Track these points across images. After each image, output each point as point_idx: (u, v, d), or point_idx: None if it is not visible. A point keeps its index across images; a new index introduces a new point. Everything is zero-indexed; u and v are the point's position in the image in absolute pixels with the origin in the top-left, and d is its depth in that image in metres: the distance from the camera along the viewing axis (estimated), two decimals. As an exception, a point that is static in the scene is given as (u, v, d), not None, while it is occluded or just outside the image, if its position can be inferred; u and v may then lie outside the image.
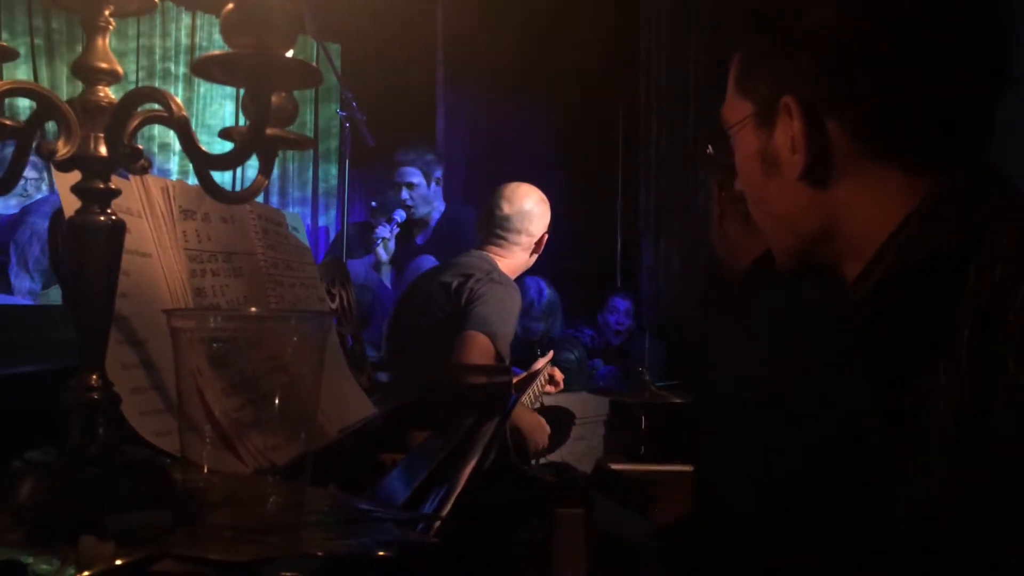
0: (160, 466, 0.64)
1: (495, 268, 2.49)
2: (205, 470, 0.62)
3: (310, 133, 5.26)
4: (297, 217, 1.37)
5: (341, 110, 3.19)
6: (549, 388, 2.61)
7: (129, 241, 0.91)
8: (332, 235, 4.89)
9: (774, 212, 0.83)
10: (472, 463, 1.20)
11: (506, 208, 2.54)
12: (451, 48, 4.88)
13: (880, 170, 0.74)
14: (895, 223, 0.73)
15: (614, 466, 2.68)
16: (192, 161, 0.59)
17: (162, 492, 0.62)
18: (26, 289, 3.33)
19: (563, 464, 2.94)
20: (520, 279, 3.40)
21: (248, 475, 0.75)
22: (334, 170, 5.15)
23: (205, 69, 0.57)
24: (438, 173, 3.52)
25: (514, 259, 2.56)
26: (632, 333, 3.92)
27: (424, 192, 3.48)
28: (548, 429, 2.38)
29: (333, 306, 1.51)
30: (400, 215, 3.45)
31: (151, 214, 0.93)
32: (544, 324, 3.78)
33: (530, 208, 2.54)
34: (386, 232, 3.40)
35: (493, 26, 4.29)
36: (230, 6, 0.56)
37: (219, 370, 0.72)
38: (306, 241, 1.38)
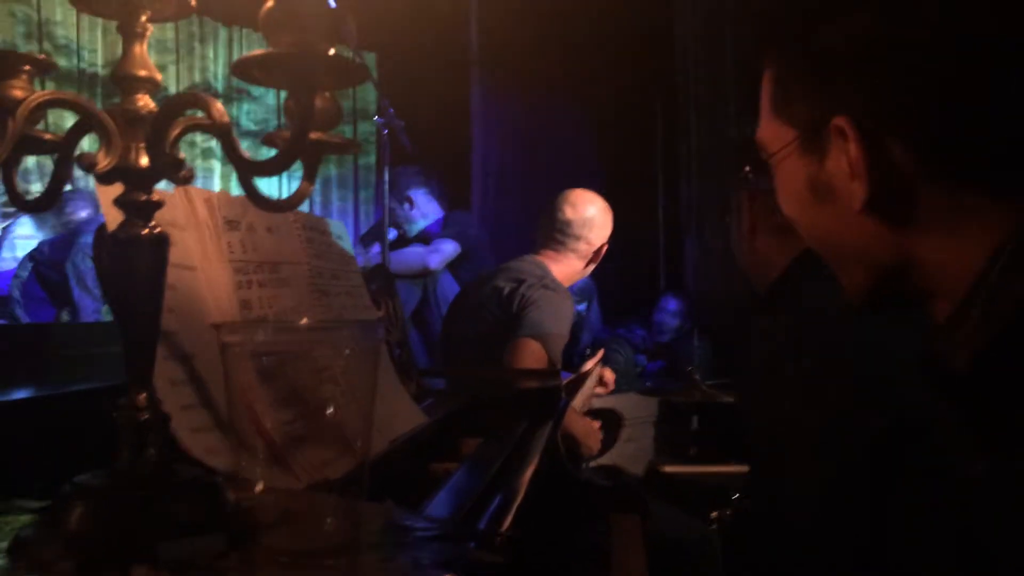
0: (213, 486, 0.61)
1: (548, 274, 2.45)
2: (258, 488, 0.60)
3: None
4: (341, 225, 1.35)
5: (379, 117, 3.18)
6: (599, 389, 2.57)
7: (174, 254, 0.89)
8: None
9: (836, 244, 0.74)
10: (530, 471, 1.16)
11: (568, 213, 2.50)
12: (486, 54, 4.86)
13: (957, 196, 0.65)
14: (983, 257, 0.64)
15: (666, 468, 2.63)
16: (236, 168, 0.57)
17: (216, 514, 0.59)
18: (91, 309, 3.37)
19: (614, 467, 2.90)
20: None
21: (302, 492, 0.73)
22: (373, 178, 5.17)
23: (246, 70, 0.55)
24: (409, 192, 3.56)
25: (569, 266, 2.52)
26: (685, 333, 3.87)
27: (400, 214, 3.58)
28: (600, 433, 2.34)
29: (380, 314, 1.49)
30: (392, 233, 3.57)
31: (195, 226, 0.91)
32: (579, 305, 3.75)
33: (592, 215, 2.51)
34: (375, 250, 3.59)
35: (527, 31, 4.27)
36: (269, 3, 0.54)
37: (269, 384, 0.70)
38: (351, 249, 1.36)
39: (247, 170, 0.56)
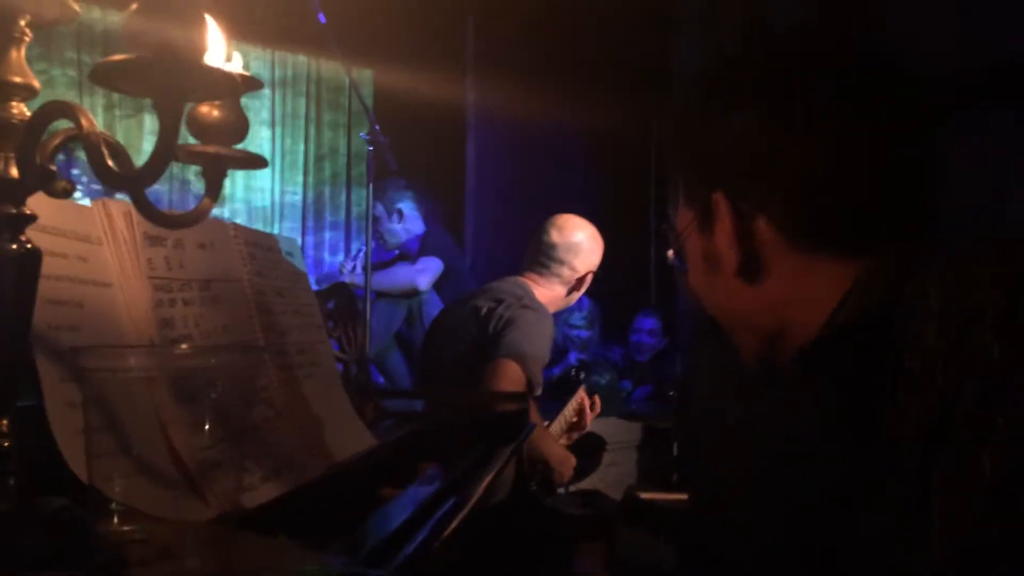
0: (79, 519, 0.57)
1: (528, 294, 2.41)
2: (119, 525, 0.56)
3: (343, 158, 5.27)
4: (293, 242, 1.32)
5: (365, 134, 3.17)
6: (589, 415, 2.53)
7: (86, 270, 0.86)
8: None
9: (726, 311, 0.84)
10: (473, 500, 1.12)
11: (555, 236, 2.47)
12: (481, 71, 4.85)
13: (811, 261, 0.75)
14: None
15: (644, 495, 2.59)
16: (101, 181, 0.53)
17: (77, 550, 0.55)
18: None
19: (593, 492, 2.85)
20: None
21: (203, 523, 0.69)
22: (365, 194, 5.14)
23: (107, 77, 0.52)
24: (399, 204, 3.58)
25: (551, 291, 2.47)
26: (661, 351, 3.82)
27: (386, 224, 3.59)
28: (574, 461, 2.30)
29: (334, 333, 1.45)
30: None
31: (112, 241, 0.88)
32: (586, 331, 3.71)
33: (578, 241, 2.47)
34: (348, 264, 3.76)
35: (523, 53, 4.25)
36: (133, 5, 0.50)
37: (184, 406, 0.67)
38: (303, 266, 1.33)
39: (113, 183, 0.53)
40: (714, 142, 0.79)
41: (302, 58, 5.04)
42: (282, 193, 5.04)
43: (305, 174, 5.05)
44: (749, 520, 1.20)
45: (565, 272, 2.48)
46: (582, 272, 2.48)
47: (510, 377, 2.21)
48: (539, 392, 2.39)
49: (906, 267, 0.69)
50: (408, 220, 3.59)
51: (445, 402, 1.94)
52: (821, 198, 0.75)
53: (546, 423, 2.45)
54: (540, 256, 2.49)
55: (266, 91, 4.90)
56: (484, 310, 2.35)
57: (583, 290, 2.56)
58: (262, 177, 4.92)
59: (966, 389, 0.58)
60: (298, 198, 5.04)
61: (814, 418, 0.77)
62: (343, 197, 5.34)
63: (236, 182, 4.83)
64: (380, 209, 3.55)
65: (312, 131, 5.07)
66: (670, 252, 0.91)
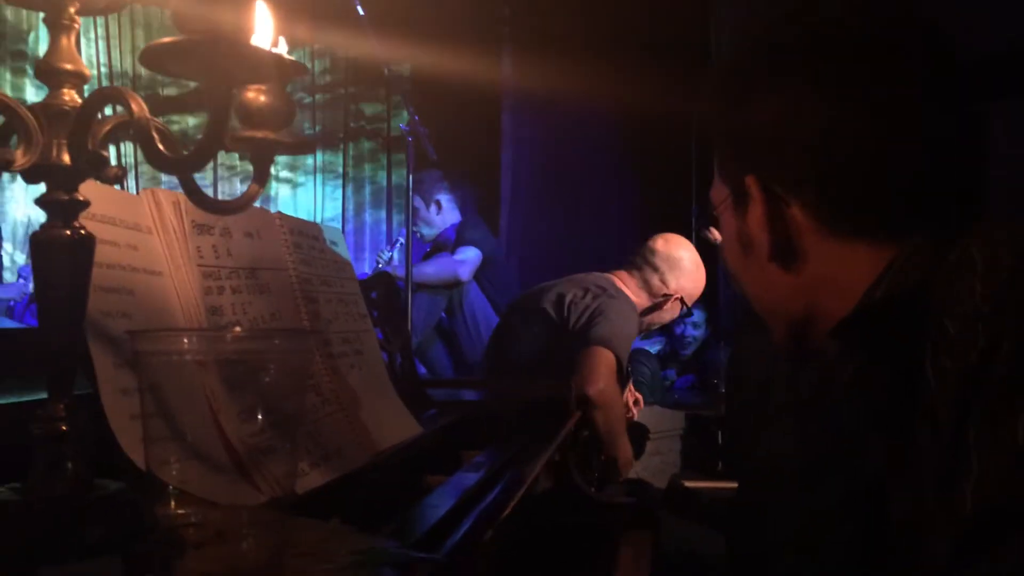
0: (135, 503, 0.58)
1: (613, 287, 2.39)
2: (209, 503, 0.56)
3: (383, 148, 5.28)
4: (337, 231, 1.32)
5: (405, 125, 3.17)
6: (635, 410, 2.53)
7: (137, 258, 0.87)
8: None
9: (758, 295, 0.83)
10: (523, 487, 1.12)
11: (659, 244, 2.46)
12: (517, 58, 4.83)
13: (846, 247, 0.73)
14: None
15: (688, 483, 2.57)
16: (152, 165, 0.53)
17: (133, 534, 0.56)
18: None
19: (638, 480, 2.83)
20: None
21: (249, 508, 0.70)
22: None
23: (157, 60, 0.52)
24: (438, 195, 3.60)
25: (634, 295, 2.44)
26: (705, 343, 3.77)
27: (424, 215, 3.62)
28: (633, 463, 2.32)
29: (378, 323, 1.45)
30: (403, 233, 3.64)
31: (163, 229, 0.89)
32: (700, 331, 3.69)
33: (680, 257, 2.45)
34: (387, 252, 3.84)
35: (560, 32, 4.23)
36: (181, -11, 0.50)
37: (234, 392, 0.67)
38: (347, 255, 1.33)
39: (164, 167, 0.53)
40: (749, 122, 0.77)
41: (340, 52, 5.07)
42: (324, 183, 5.08)
43: (344, 164, 5.08)
44: (795, 505, 1.19)
45: (655, 281, 2.45)
46: (671, 290, 2.45)
47: (604, 363, 2.20)
48: (630, 379, 2.39)
49: (948, 243, 0.67)
50: (446, 211, 3.59)
51: (496, 391, 1.94)
52: (859, 184, 0.72)
53: None
54: (637, 257, 2.47)
55: (306, 80, 4.93)
56: (569, 297, 2.34)
57: (664, 316, 2.52)
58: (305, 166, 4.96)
59: (1004, 348, 0.56)
60: (338, 187, 5.07)
61: (854, 397, 0.76)
62: (384, 193, 5.37)
63: (278, 171, 4.87)
64: (418, 201, 3.56)
65: (352, 122, 5.10)
66: (712, 231, 0.90)
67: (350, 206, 5.19)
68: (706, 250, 2.57)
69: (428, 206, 3.59)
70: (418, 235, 3.61)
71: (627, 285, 2.45)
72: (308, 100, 4.97)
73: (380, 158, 5.26)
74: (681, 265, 2.45)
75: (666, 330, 3.96)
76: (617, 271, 2.48)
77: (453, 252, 3.42)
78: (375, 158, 5.25)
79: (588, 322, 2.26)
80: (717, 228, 0.85)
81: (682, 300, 2.47)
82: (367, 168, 5.27)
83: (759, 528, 1.39)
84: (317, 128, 5.06)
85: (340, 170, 5.16)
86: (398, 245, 3.75)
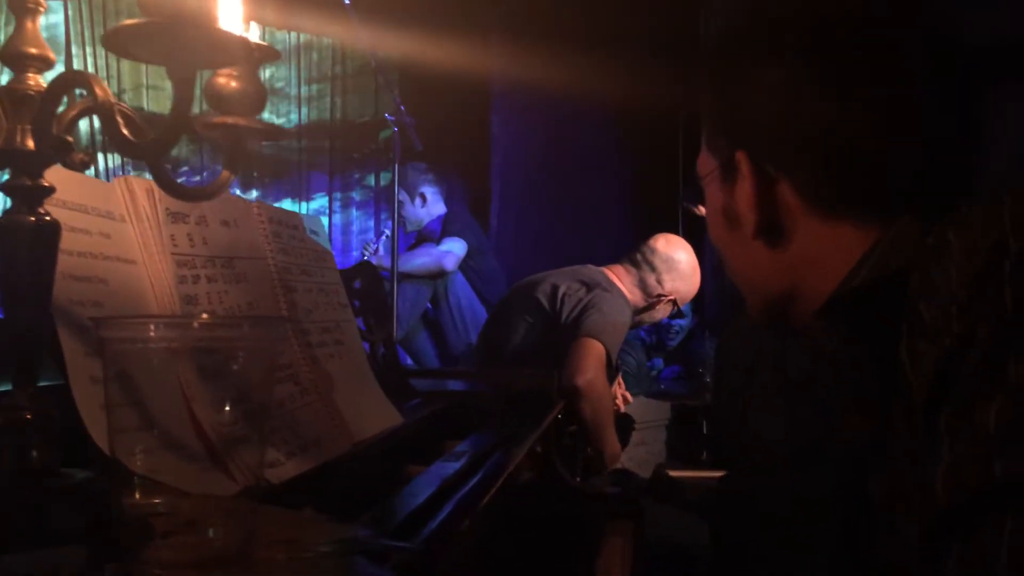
0: (99, 491, 0.57)
1: (608, 281, 2.39)
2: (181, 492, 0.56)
3: (371, 141, 5.25)
4: (318, 221, 1.31)
5: (390, 115, 3.16)
6: (621, 402, 2.53)
7: (110, 247, 0.86)
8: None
9: (740, 270, 0.83)
10: (501, 477, 1.11)
11: (659, 244, 2.47)
12: (505, 50, 4.81)
13: (833, 227, 0.73)
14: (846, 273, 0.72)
15: (673, 472, 2.57)
16: (117, 150, 0.52)
17: (100, 523, 0.55)
18: None
19: (623, 470, 2.84)
20: None
21: (225, 497, 0.69)
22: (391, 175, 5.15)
23: (119, 43, 0.51)
24: (422, 188, 3.59)
25: (629, 292, 2.44)
26: (691, 333, 3.77)
27: (409, 209, 3.60)
28: (621, 458, 2.33)
29: (360, 312, 1.45)
30: (389, 226, 3.63)
31: (136, 218, 0.88)
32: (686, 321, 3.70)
33: (679, 259, 2.46)
34: (372, 247, 3.81)
35: (548, 36, 4.21)
36: (145, -29, 0.50)
37: (207, 382, 0.66)
38: (328, 245, 1.32)
39: (127, 153, 0.52)
40: (745, 97, 0.76)
41: (327, 40, 5.03)
42: (309, 173, 5.05)
43: (332, 153, 5.05)
44: (785, 489, 1.19)
45: (651, 280, 2.45)
46: (666, 291, 2.45)
47: (594, 354, 2.21)
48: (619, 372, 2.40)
49: (933, 226, 0.66)
50: (431, 203, 3.58)
51: (480, 381, 1.94)
52: (852, 167, 0.71)
53: None
54: (636, 254, 2.47)
55: (292, 73, 4.90)
56: (563, 289, 2.34)
57: (655, 316, 2.52)
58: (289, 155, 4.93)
59: (979, 335, 0.56)
60: (324, 179, 5.04)
61: (837, 376, 0.76)
62: (371, 178, 5.34)
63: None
64: (403, 194, 3.55)
65: (338, 113, 5.07)
66: (698, 207, 0.89)
67: (336, 200, 5.16)
68: (697, 244, 2.58)
69: (413, 199, 3.58)
70: (403, 229, 3.61)
71: (622, 281, 2.45)
72: (295, 92, 4.94)
73: (369, 152, 5.23)
74: (679, 268, 2.45)
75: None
76: (613, 266, 2.48)
77: (439, 243, 3.42)
78: (363, 152, 5.23)
79: (580, 314, 2.26)
80: (702, 200, 0.84)
81: (675, 302, 2.48)
82: (354, 164, 5.25)
83: (747, 514, 1.39)
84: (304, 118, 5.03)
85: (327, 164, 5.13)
86: (383, 237, 3.74)
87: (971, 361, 0.56)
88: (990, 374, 0.55)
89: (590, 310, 2.26)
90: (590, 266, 2.47)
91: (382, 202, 5.25)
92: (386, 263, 3.18)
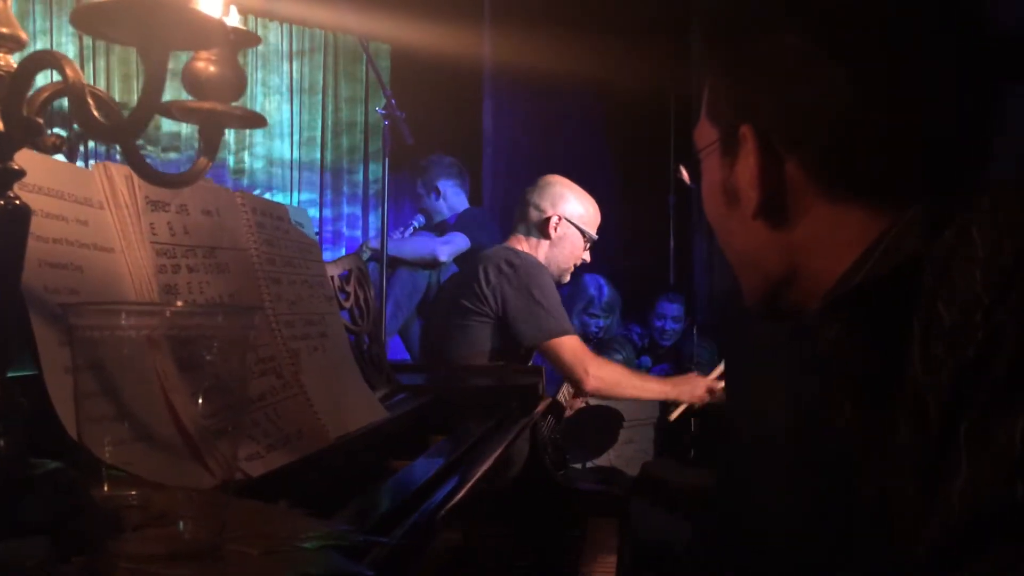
0: (67, 482, 0.56)
1: (512, 251, 2.37)
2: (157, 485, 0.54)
3: (360, 133, 5.22)
4: (303, 212, 1.30)
5: (381, 109, 3.14)
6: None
7: (87, 235, 0.84)
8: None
9: (737, 249, 0.78)
10: (480, 472, 1.10)
11: (526, 190, 2.47)
12: (498, 42, 4.80)
13: (840, 210, 0.69)
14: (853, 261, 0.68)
15: (660, 471, 2.57)
16: (88, 133, 0.51)
17: (68, 514, 0.54)
18: None
19: (610, 468, 2.83)
20: (578, 277, 3.34)
21: (199, 490, 0.68)
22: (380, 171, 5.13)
23: (89, 23, 0.49)
24: (438, 183, 3.56)
25: (531, 248, 2.42)
26: (684, 334, 3.76)
27: (427, 203, 3.59)
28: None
29: (346, 304, 1.43)
30: (419, 219, 3.65)
31: (115, 205, 0.86)
32: (604, 320, 3.68)
33: (548, 183, 2.43)
34: (396, 234, 3.65)
35: (540, 26, 4.20)
36: (117, -52, 0.48)
37: (187, 372, 0.65)
38: (313, 236, 1.31)
39: (98, 136, 0.51)
40: (757, 67, 0.70)
41: (319, 32, 5.00)
42: (300, 167, 5.02)
43: (323, 148, 5.01)
44: (774, 488, 1.18)
45: (533, 214, 2.42)
46: (549, 213, 2.40)
47: (568, 351, 2.24)
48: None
49: (947, 214, 0.62)
50: (449, 198, 3.56)
51: (461, 375, 1.93)
52: (866, 150, 0.67)
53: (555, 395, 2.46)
54: (517, 213, 2.47)
55: (283, 64, 4.87)
56: (477, 285, 2.32)
57: (565, 249, 2.43)
58: (282, 150, 4.90)
59: (1005, 345, 0.53)
60: (315, 172, 5.01)
61: (833, 361, 0.73)
62: (360, 174, 5.31)
63: (256, 153, 4.81)
64: (421, 188, 3.54)
65: (330, 105, 5.04)
66: (684, 171, 0.83)
67: (327, 193, 5.13)
68: (686, 234, 2.56)
69: (429, 193, 3.55)
70: (416, 223, 3.59)
71: (522, 242, 2.43)
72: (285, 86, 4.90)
73: (359, 146, 5.20)
74: (550, 188, 2.41)
75: (645, 323, 3.95)
76: (512, 236, 2.47)
77: (442, 235, 3.41)
78: (354, 145, 5.20)
79: (516, 316, 2.25)
80: (697, 174, 0.79)
81: (575, 226, 2.41)
82: (344, 158, 5.21)
83: (744, 507, 1.38)
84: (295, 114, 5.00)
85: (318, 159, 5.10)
86: (410, 229, 3.69)
87: (995, 373, 0.53)
88: (1017, 388, 0.52)
89: (522, 313, 2.25)
90: (496, 246, 2.47)
91: (370, 196, 5.23)
92: (375, 245, 3.20)
